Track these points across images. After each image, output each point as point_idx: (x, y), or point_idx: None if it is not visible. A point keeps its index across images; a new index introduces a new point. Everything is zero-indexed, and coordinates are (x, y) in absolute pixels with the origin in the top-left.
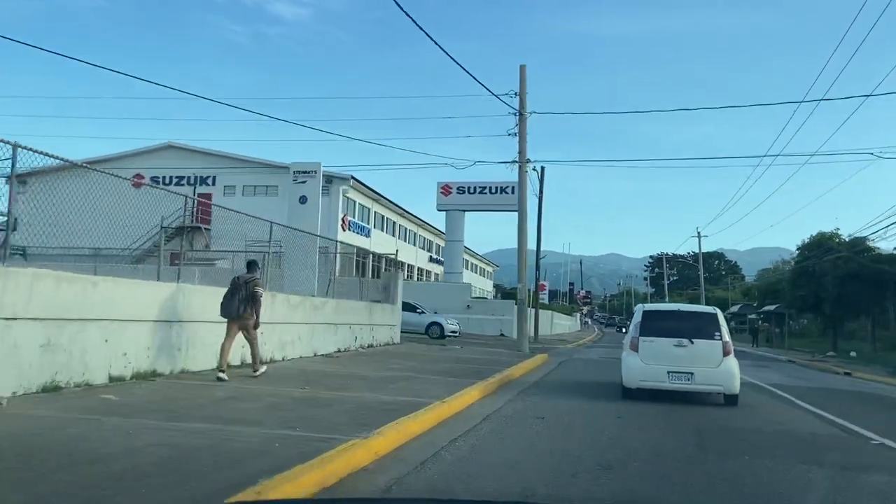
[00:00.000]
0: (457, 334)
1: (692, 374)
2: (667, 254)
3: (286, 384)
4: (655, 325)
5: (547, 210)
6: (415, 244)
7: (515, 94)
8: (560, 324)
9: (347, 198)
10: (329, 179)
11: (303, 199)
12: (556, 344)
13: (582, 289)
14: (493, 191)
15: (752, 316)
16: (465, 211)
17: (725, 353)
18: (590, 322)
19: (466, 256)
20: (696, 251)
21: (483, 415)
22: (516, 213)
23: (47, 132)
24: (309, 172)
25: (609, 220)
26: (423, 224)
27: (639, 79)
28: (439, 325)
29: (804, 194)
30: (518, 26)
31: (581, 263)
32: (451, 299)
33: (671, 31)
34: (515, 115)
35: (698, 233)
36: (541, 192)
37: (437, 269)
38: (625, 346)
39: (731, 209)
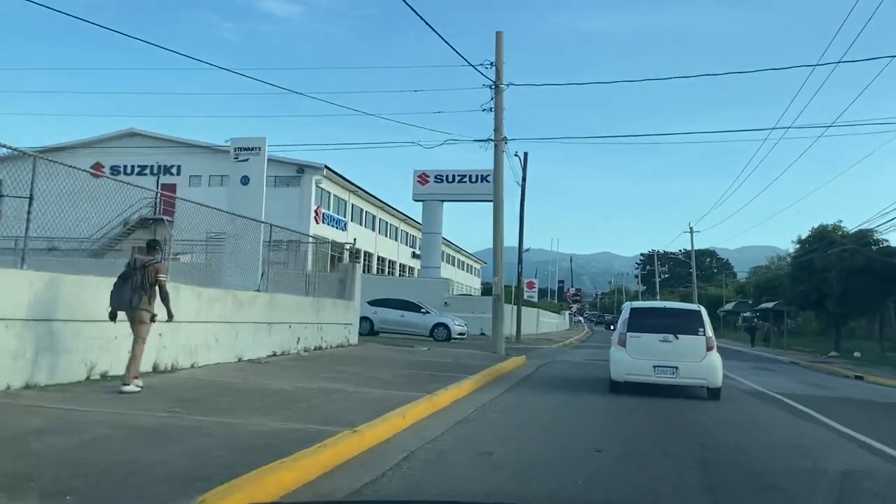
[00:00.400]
0: (464, 336)
1: (677, 368)
2: (658, 251)
3: (155, 403)
4: (642, 321)
5: (538, 208)
6: (396, 239)
7: (491, 63)
8: (547, 322)
9: (321, 189)
10: (301, 169)
11: (245, 180)
12: (540, 344)
13: (572, 286)
14: (473, 179)
15: (748, 314)
16: (443, 201)
17: (709, 349)
18: (582, 320)
19: (452, 252)
20: (688, 248)
21: (407, 449)
22: None
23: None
24: (252, 150)
25: (601, 219)
26: (404, 218)
27: (633, 76)
28: (445, 326)
29: (794, 192)
30: (510, 23)
31: (571, 261)
32: (428, 295)
33: (664, 28)
34: (491, 87)
35: (690, 228)
36: (524, 179)
37: (417, 264)
38: (613, 341)
39: (722, 207)
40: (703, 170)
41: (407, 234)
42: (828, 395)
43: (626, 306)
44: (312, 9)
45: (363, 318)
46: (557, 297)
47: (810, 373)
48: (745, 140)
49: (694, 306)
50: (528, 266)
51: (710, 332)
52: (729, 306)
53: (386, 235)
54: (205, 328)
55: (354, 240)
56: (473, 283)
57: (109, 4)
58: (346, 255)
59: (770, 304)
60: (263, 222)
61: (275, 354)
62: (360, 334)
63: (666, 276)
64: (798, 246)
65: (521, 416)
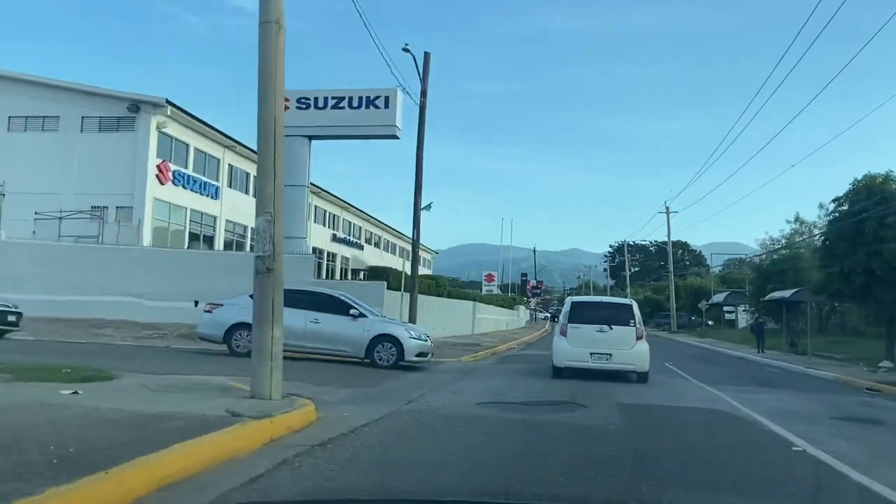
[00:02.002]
0: (428, 357)
1: (611, 354)
2: (628, 242)
3: None
4: (582, 314)
5: (504, 203)
6: (311, 217)
7: None
8: (490, 319)
9: (169, 137)
10: (135, 106)
11: None
12: (451, 353)
13: (535, 279)
14: (357, 103)
15: (744, 307)
16: (310, 138)
17: (638, 338)
18: (548, 316)
19: (388, 236)
20: (660, 240)
21: None
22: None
23: None
24: None
25: (570, 214)
26: (318, 191)
27: (603, 74)
28: (394, 341)
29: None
30: (483, 21)
31: (535, 251)
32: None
33: (632, 27)
34: None
35: (667, 208)
36: (423, 93)
37: (353, 252)
38: (556, 332)
39: (689, 200)
40: (673, 166)
41: (325, 212)
42: None
43: (568, 300)
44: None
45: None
46: (521, 291)
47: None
48: (715, 137)
49: (626, 301)
50: (491, 263)
51: (639, 323)
52: (718, 298)
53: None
54: None
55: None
56: None
57: None
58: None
59: (787, 294)
60: None
61: None
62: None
63: (636, 269)
64: (833, 210)
65: None
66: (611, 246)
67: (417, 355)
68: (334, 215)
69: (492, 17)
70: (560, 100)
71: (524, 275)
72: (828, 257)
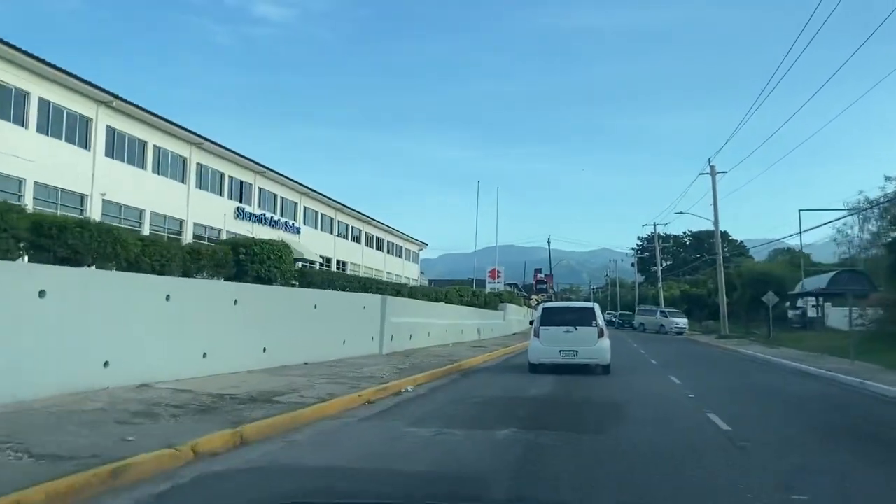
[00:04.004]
0: None
1: (577, 351)
2: (659, 234)
3: None
4: (552, 317)
5: (532, 206)
6: (207, 187)
7: None
8: (436, 325)
9: None
10: None
11: None
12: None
13: (550, 273)
14: None
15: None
16: None
17: (600, 336)
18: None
19: (362, 225)
20: (692, 231)
21: None
22: None
23: None
24: None
25: (599, 215)
26: (222, 153)
27: (621, 72)
28: None
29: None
30: (502, 20)
31: (549, 242)
32: None
33: (647, 25)
34: None
35: (711, 167)
36: None
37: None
38: (531, 335)
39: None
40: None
41: (222, 175)
42: None
43: (540, 307)
44: (305, 11)
45: None
46: (536, 291)
47: None
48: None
49: (589, 304)
50: (517, 265)
51: (601, 323)
52: (815, 282)
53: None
54: None
55: None
56: (400, 270)
57: (95, 9)
58: None
59: None
60: None
61: None
62: None
63: (668, 263)
64: None
65: None
66: (639, 238)
67: None
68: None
69: (514, 14)
70: (583, 98)
71: (538, 270)
72: None
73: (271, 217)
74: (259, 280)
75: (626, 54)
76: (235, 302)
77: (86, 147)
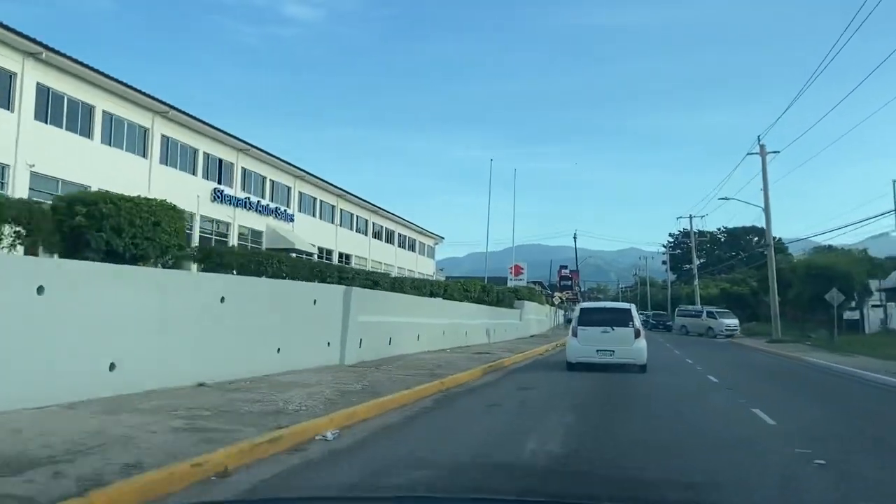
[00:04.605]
0: None
1: (613, 350)
2: (695, 231)
3: None
4: (590, 317)
5: (558, 205)
6: (175, 164)
7: None
8: (426, 325)
9: None
10: None
11: None
12: None
13: (576, 269)
14: None
15: None
16: None
17: (636, 336)
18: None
19: (368, 215)
20: (729, 226)
21: None
22: None
23: None
24: None
25: (626, 213)
26: (182, 118)
27: (652, 70)
28: None
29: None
30: (533, 19)
31: (575, 237)
32: None
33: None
34: None
35: (761, 146)
36: None
37: (273, 224)
38: (569, 333)
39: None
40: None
41: (194, 151)
42: None
43: (578, 307)
44: (332, 11)
45: None
46: (560, 287)
47: None
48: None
49: (626, 305)
50: (543, 264)
51: (638, 324)
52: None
53: (127, 147)
54: None
55: None
56: (411, 265)
57: (127, 9)
58: None
59: None
60: None
61: None
62: None
63: (702, 261)
64: None
65: None
66: (671, 234)
67: None
68: (254, 175)
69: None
70: (611, 96)
71: (563, 266)
72: None
73: (258, 202)
74: (115, 258)
75: (652, 52)
76: (41, 290)
77: (7, 108)
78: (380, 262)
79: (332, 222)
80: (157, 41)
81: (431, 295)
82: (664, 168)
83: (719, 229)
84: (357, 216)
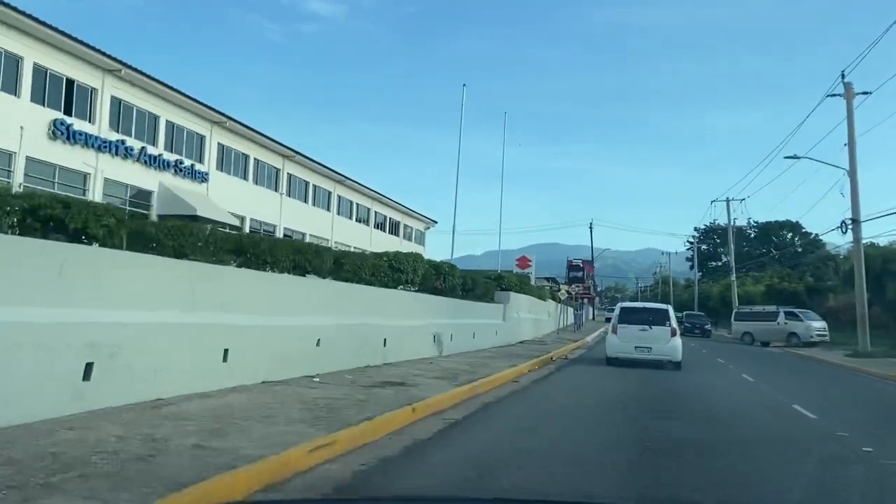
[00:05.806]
0: None
1: (650, 348)
2: (718, 225)
3: None
4: (629, 316)
5: (573, 203)
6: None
7: None
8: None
9: None
10: None
11: None
12: None
13: (591, 261)
14: None
15: None
16: None
17: (672, 335)
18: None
19: (332, 185)
20: (756, 221)
21: None
22: None
23: None
24: None
25: (644, 213)
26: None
27: (672, 69)
28: None
29: None
30: (552, 17)
31: (591, 228)
32: None
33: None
34: None
35: (846, 84)
36: None
37: (144, 171)
38: (608, 331)
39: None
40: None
41: (48, 74)
42: None
43: (618, 306)
44: (354, 8)
45: None
46: (568, 280)
47: None
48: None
49: (664, 306)
50: (559, 263)
51: (674, 323)
52: None
53: None
54: None
55: None
56: (396, 246)
57: (153, 4)
58: None
59: None
60: None
61: None
62: None
63: (726, 259)
64: None
65: None
66: (696, 229)
67: None
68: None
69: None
70: (629, 96)
71: (574, 261)
72: None
73: (142, 149)
74: None
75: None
76: None
77: None
78: (346, 245)
79: (276, 190)
80: (171, 30)
81: (263, 264)
82: (689, 169)
83: (749, 222)
84: (315, 186)
